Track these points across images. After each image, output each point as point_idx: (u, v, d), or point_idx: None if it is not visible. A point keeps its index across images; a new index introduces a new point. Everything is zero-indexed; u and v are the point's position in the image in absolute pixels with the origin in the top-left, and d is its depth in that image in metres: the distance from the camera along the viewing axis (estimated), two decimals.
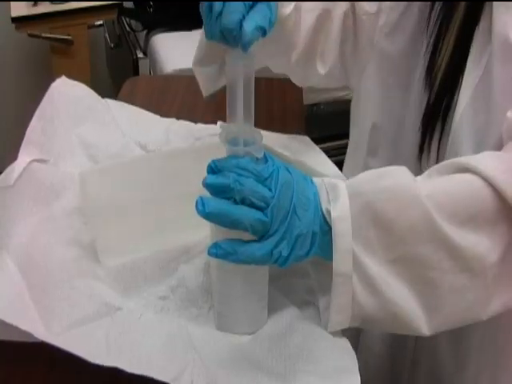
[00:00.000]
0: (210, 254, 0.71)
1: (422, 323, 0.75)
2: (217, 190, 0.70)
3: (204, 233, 0.79)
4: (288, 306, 0.84)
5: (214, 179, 0.70)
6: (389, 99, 1.00)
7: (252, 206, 0.70)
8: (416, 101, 0.93)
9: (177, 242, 0.89)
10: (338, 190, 0.75)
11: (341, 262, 0.73)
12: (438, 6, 0.88)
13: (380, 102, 1.02)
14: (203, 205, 0.69)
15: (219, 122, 1.18)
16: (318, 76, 1.06)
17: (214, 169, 0.71)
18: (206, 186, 0.70)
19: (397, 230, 0.73)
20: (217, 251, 0.71)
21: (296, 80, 1.12)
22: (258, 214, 0.70)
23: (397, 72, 0.97)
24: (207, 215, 0.69)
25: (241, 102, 0.73)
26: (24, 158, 0.99)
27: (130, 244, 0.89)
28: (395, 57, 0.97)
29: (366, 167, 1.07)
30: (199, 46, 0.96)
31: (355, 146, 1.11)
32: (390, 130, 1.01)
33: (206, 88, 1.04)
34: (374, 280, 0.74)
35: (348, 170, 1.14)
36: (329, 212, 0.73)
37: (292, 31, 0.95)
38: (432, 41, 0.89)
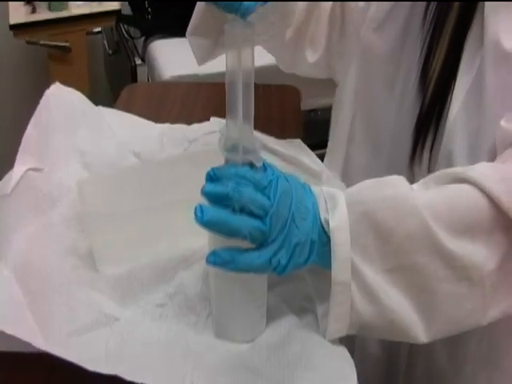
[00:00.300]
0: (208, 262, 0.71)
1: (419, 331, 0.75)
2: (215, 199, 0.70)
3: (202, 240, 0.79)
4: (286, 314, 0.84)
5: (213, 187, 0.70)
6: (372, 93, 1.00)
7: (251, 214, 0.69)
8: (407, 103, 0.93)
9: (175, 249, 0.89)
10: (337, 199, 0.75)
11: (339, 270, 0.73)
12: (430, 12, 0.89)
13: (362, 95, 1.02)
14: (202, 212, 0.68)
15: (212, 118, 1.18)
16: (305, 64, 1.07)
17: (212, 177, 0.71)
18: (205, 194, 0.70)
19: (395, 238, 0.73)
20: (215, 259, 0.70)
21: (284, 65, 1.12)
22: (256, 223, 0.69)
23: (382, 68, 0.97)
24: (205, 223, 0.69)
25: (240, 76, 0.71)
26: (20, 166, 0.99)
27: (127, 252, 0.89)
28: (381, 53, 0.97)
29: (347, 158, 1.08)
30: (195, 14, 0.96)
31: (337, 136, 1.11)
32: (372, 123, 1.01)
33: (201, 57, 1.03)
34: (372, 288, 0.73)
35: (329, 161, 1.14)
36: (327, 221, 0.73)
37: (292, 4, 0.96)
38: (425, 47, 0.89)
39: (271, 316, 0.83)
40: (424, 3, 0.90)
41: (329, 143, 1.16)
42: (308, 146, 1.17)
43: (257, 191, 0.70)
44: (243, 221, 0.69)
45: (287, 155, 1.07)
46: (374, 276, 0.73)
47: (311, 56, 1.06)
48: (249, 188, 0.70)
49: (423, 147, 0.91)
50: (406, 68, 0.94)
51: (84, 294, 0.85)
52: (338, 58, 1.06)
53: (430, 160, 0.91)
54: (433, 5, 0.89)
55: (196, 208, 0.69)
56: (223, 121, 1.13)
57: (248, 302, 0.79)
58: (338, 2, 1.02)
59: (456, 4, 0.86)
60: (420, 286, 0.74)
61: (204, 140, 1.13)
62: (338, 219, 0.73)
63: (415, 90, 0.91)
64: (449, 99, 0.87)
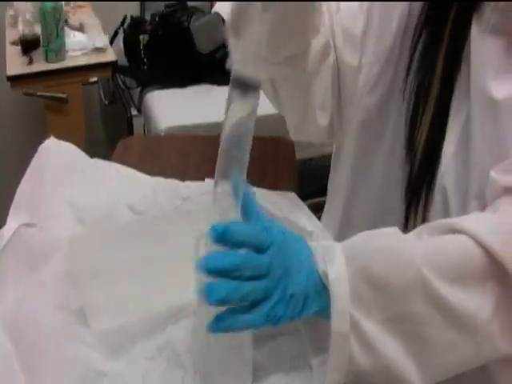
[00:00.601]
0: (212, 330, 0.71)
1: (413, 377, 0.75)
2: (219, 274, 0.70)
3: (191, 294, 0.79)
4: (274, 372, 0.83)
5: (217, 264, 0.70)
6: (369, 151, 1.01)
7: (251, 277, 0.70)
8: (397, 157, 0.94)
9: (165, 304, 0.89)
10: (334, 252, 0.75)
11: (338, 322, 0.73)
12: (412, 77, 0.90)
13: (360, 155, 1.03)
14: (213, 292, 0.69)
15: (207, 179, 1.18)
16: (316, 127, 1.06)
17: (217, 238, 0.70)
18: (209, 271, 0.69)
19: (391, 289, 0.73)
20: (218, 326, 0.71)
21: (294, 128, 1.11)
22: (262, 285, 0.70)
23: (372, 124, 0.99)
24: (218, 302, 0.69)
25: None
26: (13, 221, 0.99)
27: (118, 307, 0.89)
28: (372, 110, 0.98)
29: (345, 216, 1.09)
30: None
31: (336, 191, 1.12)
32: (368, 178, 1.02)
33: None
34: (369, 338, 0.74)
35: (327, 219, 1.14)
36: (325, 274, 0.73)
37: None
38: (412, 104, 0.91)
39: (258, 374, 0.83)
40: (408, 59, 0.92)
41: (327, 203, 1.17)
42: (303, 194, 1.17)
43: (253, 252, 0.71)
44: (249, 286, 0.70)
45: (279, 216, 1.07)
46: (371, 326, 0.74)
47: (322, 119, 1.06)
48: (248, 254, 0.71)
49: (418, 201, 0.91)
50: (394, 122, 0.95)
51: (75, 350, 0.85)
52: (339, 121, 1.07)
53: (424, 209, 0.91)
54: (417, 63, 0.90)
55: (206, 289, 0.69)
56: None
57: (233, 360, 0.79)
58: (336, 69, 1.02)
59: (441, 53, 0.87)
60: (415, 333, 0.74)
61: (197, 199, 1.14)
62: (337, 271, 0.73)
63: (405, 144, 0.93)
64: (439, 154, 0.88)
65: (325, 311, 0.74)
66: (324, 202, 1.21)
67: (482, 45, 0.84)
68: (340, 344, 0.74)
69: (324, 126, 1.06)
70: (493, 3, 0.83)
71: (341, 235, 1.07)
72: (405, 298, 0.73)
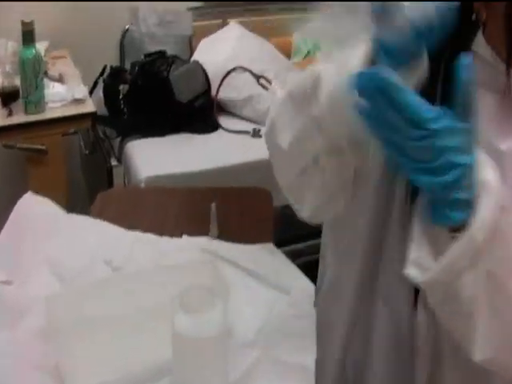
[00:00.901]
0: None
1: (475, 341, 0.73)
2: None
3: (169, 353, 0.79)
4: None
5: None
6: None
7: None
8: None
9: (143, 363, 0.89)
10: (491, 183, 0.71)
11: (477, 231, 0.69)
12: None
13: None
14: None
15: (184, 236, 1.19)
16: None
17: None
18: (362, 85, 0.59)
19: (506, 250, 0.72)
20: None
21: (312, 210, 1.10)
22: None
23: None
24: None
25: None
26: None
27: (95, 367, 0.88)
28: (381, 193, 0.99)
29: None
30: None
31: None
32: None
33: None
34: (477, 272, 0.70)
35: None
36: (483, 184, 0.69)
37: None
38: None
39: None
40: None
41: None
42: (281, 240, 1.17)
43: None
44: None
45: (260, 275, 1.08)
46: (484, 264, 0.71)
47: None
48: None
49: None
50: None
51: None
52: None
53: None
54: None
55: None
56: (192, 239, 1.16)
57: None
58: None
59: None
60: (500, 306, 0.72)
61: (174, 255, 1.14)
62: (491, 186, 0.69)
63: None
64: None
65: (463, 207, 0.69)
66: (303, 248, 1.20)
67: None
68: (466, 247, 0.69)
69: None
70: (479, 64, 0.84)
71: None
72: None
